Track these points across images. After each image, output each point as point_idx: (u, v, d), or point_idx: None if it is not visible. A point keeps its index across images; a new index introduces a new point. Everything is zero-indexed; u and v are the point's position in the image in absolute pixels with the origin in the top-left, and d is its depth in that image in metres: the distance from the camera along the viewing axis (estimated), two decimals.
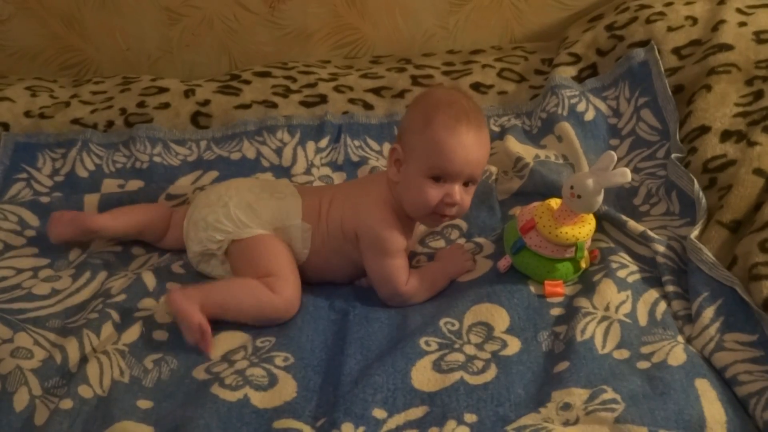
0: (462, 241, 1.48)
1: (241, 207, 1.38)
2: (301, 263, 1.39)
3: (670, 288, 1.27)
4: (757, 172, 1.37)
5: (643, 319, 1.22)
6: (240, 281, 1.34)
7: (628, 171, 1.23)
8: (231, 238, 1.37)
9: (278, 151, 1.74)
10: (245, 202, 1.39)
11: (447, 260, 1.41)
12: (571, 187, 1.27)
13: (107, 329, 1.29)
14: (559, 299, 1.29)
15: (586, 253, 1.32)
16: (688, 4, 1.80)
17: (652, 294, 1.27)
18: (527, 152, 1.64)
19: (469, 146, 1.29)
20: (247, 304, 1.30)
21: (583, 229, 1.30)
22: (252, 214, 1.38)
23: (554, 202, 1.33)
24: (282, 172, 1.69)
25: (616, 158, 1.24)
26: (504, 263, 1.35)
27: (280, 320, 1.32)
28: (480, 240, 1.47)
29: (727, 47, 1.63)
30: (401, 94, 1.87)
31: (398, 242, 1.35)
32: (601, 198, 1.27)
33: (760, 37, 1.64)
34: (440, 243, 1.49)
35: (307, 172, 1.68)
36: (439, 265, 1.40)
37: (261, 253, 1.36)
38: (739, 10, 1.73)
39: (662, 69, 1.69)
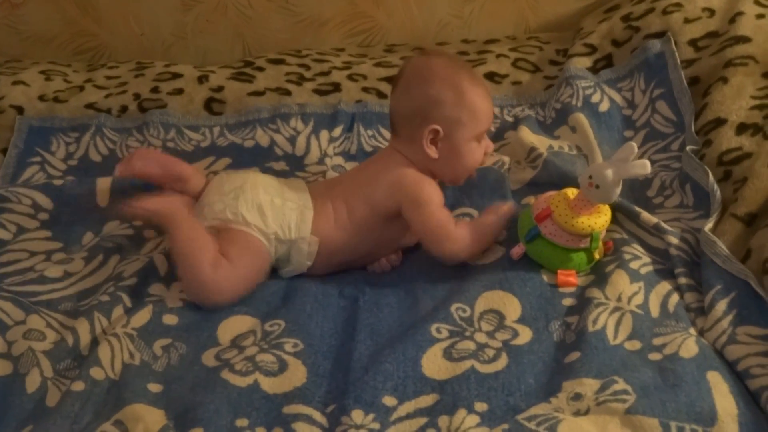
0: None
1: (250, 207, 1.35)
2: (301, 272, 1.39)
3: (683, 280, 1.26)
4: None
5: (655, 311, 1.22)
6: (206, 241, 1.32)
7: (647, 163, 1.23)
8: (226, 225, 1.36)
9: (292, 140, 1.74)
10: (257, 203, 1.36)
11: (490, 213, 1.40)
12: (590, 177, 1.26)
13: (117, 312, 1.29)
14: (571, 289, 1.29)
15: (600, 243, 1.32)
16: None
17: (665, 286, 1.26)
18: (541, 142, 1.63)
19: (489, 95, 1.40)
20: (188, 254, 1.31)
21: (599, 219, 1.29)
22: (258, 216, 1.35)
23: (571, 192, 1.32)
24: (295, 161, 1.69)
25: (636, 149, 1.24)
26: (517, 251, 1.34)
27: (198, 294, 1.31)
28: None
29: (745, 39, 1.62)
30: None
31: (439, 195, 1.38)
32: (619, 189, 1.26)
33: None
34: None
35: (320, 161, 1.68)
36: (482, 218, 1.41)
37: (240, 246, 1.34)
38: (757, 2, 1.71)
39: (678, 61, 1.68)
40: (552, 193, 1.35)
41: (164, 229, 1.36)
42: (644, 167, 1.23)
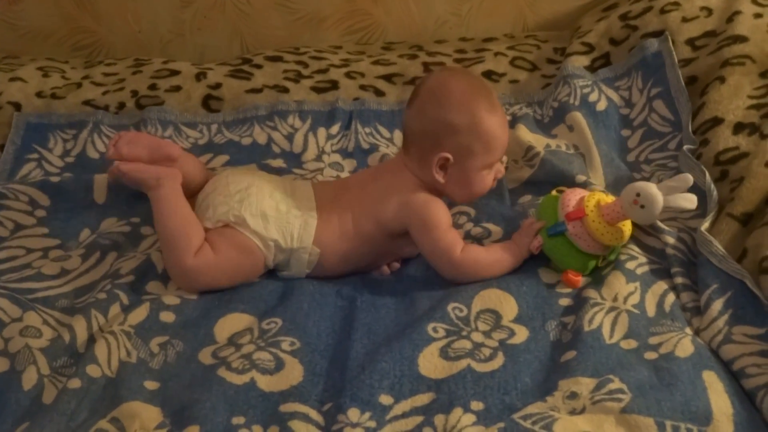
0: (470, 225, 1.47)
1: (254, 212, 1.35)
2: (299, 277, 1.39)
3: (679, 280, 1.26)
4: None
5: (651, 310, 1.22)
6: (195, 224, 1.36)
7: (695, 199, 1.24)
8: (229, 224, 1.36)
9: (289, 137, 1.74)
10: (261, 210, 1.35)
11: (515, 236, 1.37)
12: (637, 195, 1.25)
13: (114, 310, 1.29)
14: (568, 289, 1.29)
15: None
16: None
17: (661, 285, 1.26)
18: (538, 141, 1.63)
19: (506, 122, 1.37)
20: (173, 232, 1.34)
21: (626, 234, 1.29)
22: (261, 223, 1.35)
23: (602, 198, 1.31)
24: (293, 158, 1.69)
25: (692, 182, 1.24)
26: (535, 244, 1.33)
27: (176, 276, 1.35)
28: (488, 225, 1.46)
29: (742, 39, 1.62)
30: (413, 81, 1.87)
31: (447, 216, 1.36)
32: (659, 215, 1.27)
33: None
34: None
35: (318, 159, 1.68)
36: (505, 242, 1.37)
37: (230, 241, 1.34)
38: (754, 2, 1.71)
39: (676, 60, 1.68)
40: (584, 193, 1.33)
41: (150, 199, 1.38)
42: (692, 202, 1.24)
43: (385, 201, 1.37)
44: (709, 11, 1.74)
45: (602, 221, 1.27)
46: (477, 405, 1.08)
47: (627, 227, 1.30)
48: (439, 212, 1.35)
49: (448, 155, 1.32)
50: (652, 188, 1.24)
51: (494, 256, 1.33)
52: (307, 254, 1.36)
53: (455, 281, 1.33)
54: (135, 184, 1.40)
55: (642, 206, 1.25)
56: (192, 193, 1.45)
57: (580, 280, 1.29)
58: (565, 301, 1.26)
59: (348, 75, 1.90)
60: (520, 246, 1.34)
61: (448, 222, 1.36)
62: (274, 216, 1.36)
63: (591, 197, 1.31)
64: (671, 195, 1.24)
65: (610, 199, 1.32)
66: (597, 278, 1.29)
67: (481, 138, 1.32)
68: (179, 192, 1.39)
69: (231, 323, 1.28)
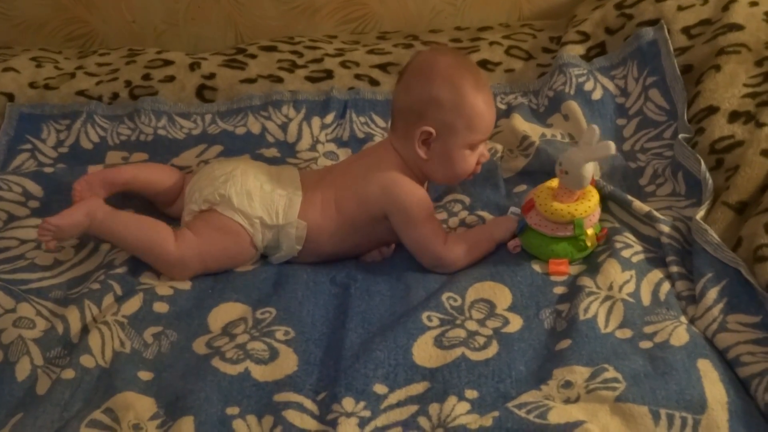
0: (465, 214, 1.47)
1: (239, 191, 1.36)
2: (292, 256, 1.39)
3: (675, 268, 1.26)
4: (765, 153, 1.36)
5: (646, 299, 1.22)
6: (154, 221, 1.38)
7: (611, 144, 1.24)
8: (210, 208, 1.37)
9: (283, 127, 1.73)
10: (246, 189, 1.36)
11: (491, 223, 1.40)
12: (560, 164, 1.28)
13: (108, 300, 1.29)
14: (563, 278, 1.29)
15: (591, 231, 1.32)
16: None
17: (657, 274, 1.26)
18: (533, 131, 1.63)
19: (493, 104, 1.37)
20: (142, 236, 1.35)
21: (581, 206, 1.29)
22: (246, 201, 1.35)
23: (555, 182, 1.33)
24: (287, 148, 1.69)
25: (599, 132, 1.25)
26: (513, 244, 1.35)
27: (165, 269, 1.35)
28: (483, 213, 1.46)
29: (738, 27, 1.62)
30: None
31: (429, 205, 1.36)
32: (589, 174, 1.27)
33: None
34: (442, 215, 1.47)
35: (312, 148, 1.68)
36: (482, 227, 1.40)
37: (212, 224, 1.35)
38: None
39: (671, 48, 1.67)
40: (541, 185, 1.36)
41: (97, 230, 1.38)
42: (608, 148, 1.24)
43: (368, 179, 1.37)
44: None
45: (551, 202, 1.30)
46: (471, 393, 1.08)
47: (585, 199, 1.31)
48: (421, 202, 1.35)
49: (431, 129, 1.33)
50: (567, 153, 1.28)
51: (468, 244, 1.35)
52: (294, 229, 1.36)
53: (434, 271, 1.34)
54: (74, 229, 1.36)
55: (566, 172, 1.27)
56: (168, 197, 1.47)
57: (567, 266, 1.30)
58: (559, 290, 1.26)
59: (343, 64, 1.89)
60: (496, 229, 1.37)
61: (430, 211, 1.37)
62: (258, 195, 1.36)
63: (542, 186, 1.34)
64: (586, 150, 1.26)
65: None
66: (592, 266, 1.29)
67: (465, 114, 1.32)
68: (112, 209, 1.39)
69: (225, 313, 1.28)
